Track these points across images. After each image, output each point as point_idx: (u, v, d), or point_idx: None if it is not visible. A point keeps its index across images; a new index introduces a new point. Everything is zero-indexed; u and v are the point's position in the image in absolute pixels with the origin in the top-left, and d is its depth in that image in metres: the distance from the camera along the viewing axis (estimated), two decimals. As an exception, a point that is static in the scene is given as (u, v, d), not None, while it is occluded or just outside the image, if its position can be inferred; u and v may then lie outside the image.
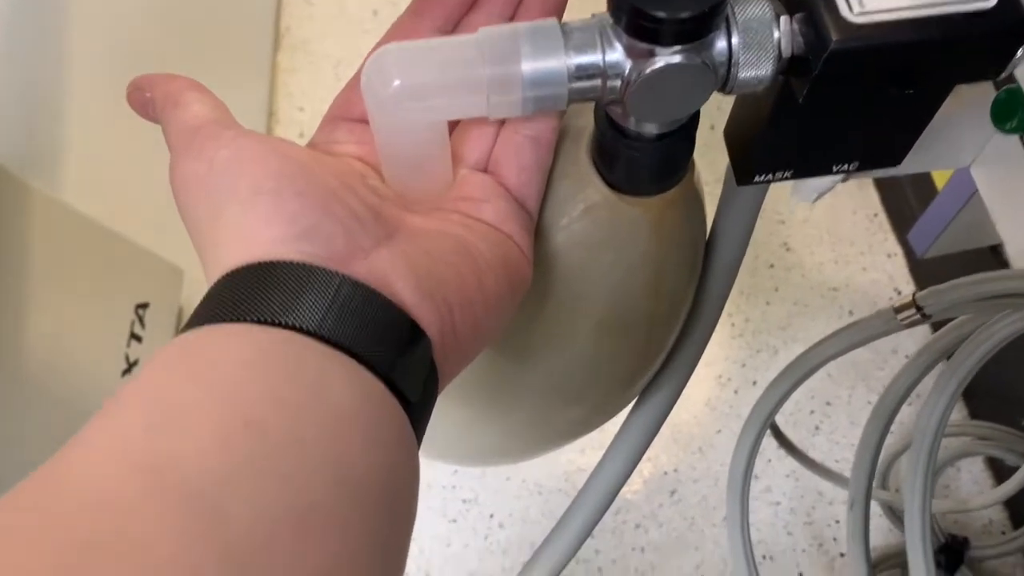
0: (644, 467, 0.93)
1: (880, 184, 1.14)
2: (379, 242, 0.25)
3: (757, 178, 0.37)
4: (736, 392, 0.98)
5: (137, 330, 0.82)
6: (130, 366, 0.80)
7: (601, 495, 0.50)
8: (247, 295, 0.22)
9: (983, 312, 0.54)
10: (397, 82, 0.29)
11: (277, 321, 0.21)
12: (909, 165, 0.55)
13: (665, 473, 0.93)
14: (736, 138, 0.37)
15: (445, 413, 0.46)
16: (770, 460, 0.94)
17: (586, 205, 0.37)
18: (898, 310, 0.52)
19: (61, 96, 1.03)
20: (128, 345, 0.81)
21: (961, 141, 0.53)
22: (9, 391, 0.70)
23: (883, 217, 1.11)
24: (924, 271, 1.07)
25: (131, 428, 0.18)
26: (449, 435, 0.50)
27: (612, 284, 0.39)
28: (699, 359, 0.46)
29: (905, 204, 1.07)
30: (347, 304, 0.22)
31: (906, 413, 0.67)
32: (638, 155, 0.34)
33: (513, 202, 0.31)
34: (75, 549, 0.15)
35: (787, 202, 1.11)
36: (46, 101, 1.02)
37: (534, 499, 0.90)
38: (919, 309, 0.51)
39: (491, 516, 0.90)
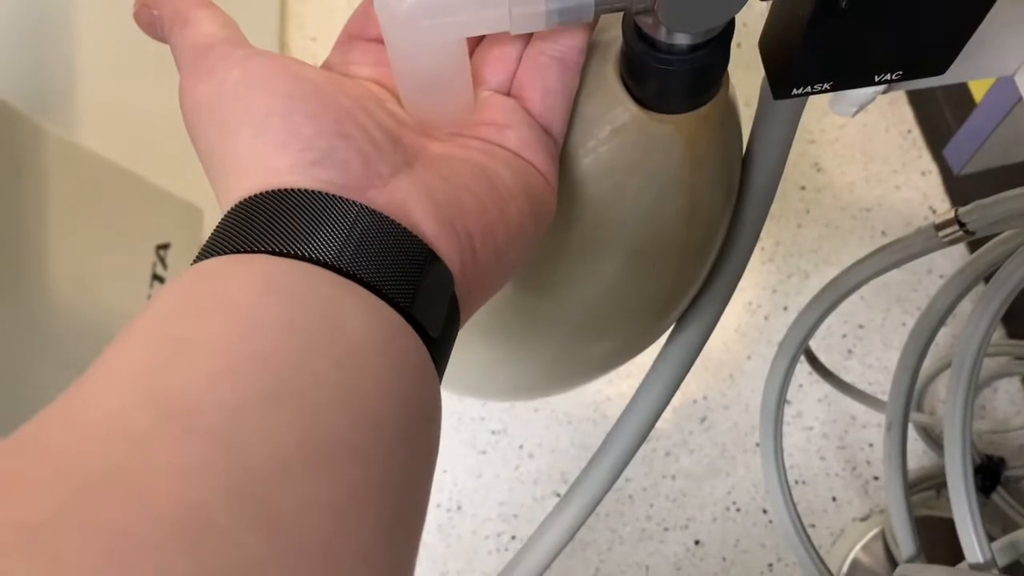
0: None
1: (914, 99, 1.10)
2: (397, 169, 0.24)
3: (795, 91, 0.35)
4: (767, 318, 0.97)
5: (159, 271, 0.82)
6: (154, 307, 0.80)
7: (637, 427, 0.49)
8: (260, 225, 0.21)
9: (1029, 227, 0.52)
10: None
11: (292, 252, 0.20)
12: (951, 74, 0.52)
13: (695, 401, 0.92)
14: (772, 48, 0.35)
15: (473, 349, 0.45)
16: (801, 385, 0.93)
17: (614, 125, 0.35)
18: (939, 227, 0.50)
19: (72, 35, 1.01)
20: (151, 286, 0.81)
21: (1006, 46, 0.50)
22: (33, 334, 0.70)
23: (917, 133, 1.07)
24: (960, 189, 1.03)
25: (140, 362, 0.17)
26: (478, 371, 0.49)
27: (643, 209, 0.38)
28: (735, 288, 0.44)
29: (941, 119, 1.04)
30: (365, 235, 0.21)
31: (941, 335, 0.66)
32: (670, 69, 0.32)
33: (537, 127, 0.30)
34: (80, 488, 0.14)
35: (818, 121, 1.08)
36: (56, 41, 1.00)
37: (563, 429, 0.89)
38: (962, 225, 0.49)
39: (520, 447, 0.90)
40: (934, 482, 0.88)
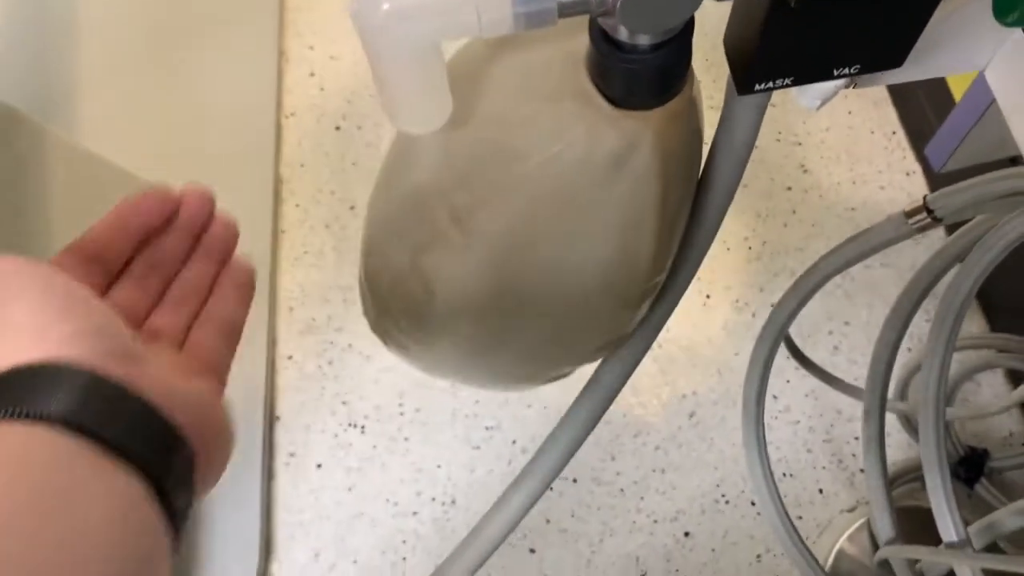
0: (663, 391, 0.95)
1: (898, 102, 1.12)
2: (133, 355, 0.27)
3: (757, 86, 0.37)
4: (754, 315, 0.99)
5: (160, 272, 0.84)
6: (155, 307, 0.82)
7: (604, 393, 0.52)
8: (25, 392, 0.23)
9: (996, 213, 0.54)
10: (387, 5, 0.30)
11: (38, 416, 0.22)
12: (922, 70, 0.55)
13: (684, 396, 0.94)
14: (734, 47, 0.37)
15: (466, 328, 0.47)
16: (788, 380, 0.95)
17: (588, 122, 0.38)
18: (909, 214, 0.52)
19: (73, 41, 1.03)
20: (152, 286, 0.83)
21: (974, 41, 0.52)
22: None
23: (901, 135, 1.10)
24: (942, 186, 1.05)
25: None
26: (475, 351, 0.50)
27: (619, 199, 0.40)
28: (695, 274, 0.47)
29: (924, 121, 1.06)
30: (103, 400, 0.24)
31: (925, 330, 0.67)
32: (635, 68, 0.34)
33: (209, 375, 0.33)
34: None
35: (804, 123, 1.10)
36: (58, 47, 1.03)
37: (554, 424, 0.91)
38: (930, 212, 0.51)
39: (513, 442, 0.92)
40: (918, 473, 0.89)
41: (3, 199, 0.73)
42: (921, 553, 0.62)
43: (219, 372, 0.33)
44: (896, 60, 0.39)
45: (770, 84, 0.37)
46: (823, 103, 0.55)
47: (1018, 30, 0.44)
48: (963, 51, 0.54)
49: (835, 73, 0.38)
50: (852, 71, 0.38)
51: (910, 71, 0.51)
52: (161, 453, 0.24)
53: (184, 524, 0.26)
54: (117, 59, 1.04)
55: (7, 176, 0.72)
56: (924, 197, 0.52)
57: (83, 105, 1.00)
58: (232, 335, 0.35)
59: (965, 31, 0.50)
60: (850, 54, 0.37)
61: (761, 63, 0.36)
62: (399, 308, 0.47)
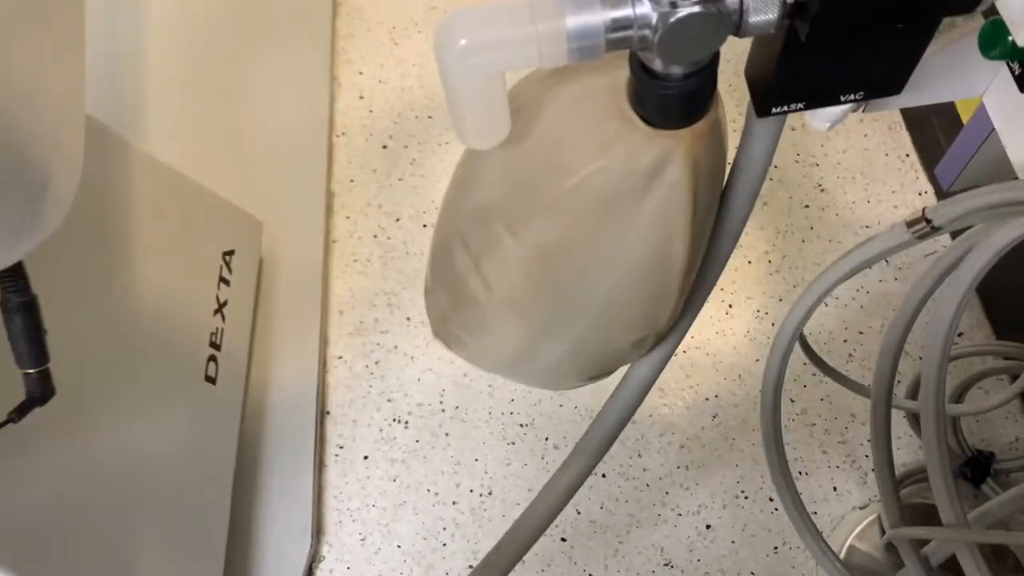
0: (687, 394, 1.01)
1: (911, 126, 1.18)
2: None
3: (774, 110, 0.44)
4: (774, 324, 1.05)
5: (225, 274, 0.92)
6: (220, 306, 0.90)
7: (642, 381, 0.58)
8: None
9: (993, 222, 0.60)
10: (464, 41, 0.37)
11: None
12: (924, 96, 0.62)
13: (707, 399, 1.01)
14: (754, 76, 0.44)
15: (511, 323, 0.53)
16: (805, 386, 1.01)
17: (627, 140, 0.44)
18: (910, 224, 0.58)
19: (144, 60, 1.12)
20: (218, 287, 0.90)
21: (970, 71, 0.58)
22: (119, 328, 0.79)
23: (914, 157, 1.16)
24: (954, 207, 1.11)
25: None
26: (516, 348, 0.57)
27: (654, 207, 0.46)
28: (719, 276, 0.53)
29: (935, 144, 1.12)
30: None
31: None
32: (668, 93, 0.41)
33: None
34: None
35: (821, 146, 1.16)
36: (132, 65, 1.12)
37: (585, 423, 0.97)
38: (928, 222, 0.57)
39: (546, 439, 0.99)
40: (926, 473, 0.95)
41: (89, 208, 0.81)
42: (923, 532, 0.68)
43: None
44: (895, 87, 0.46)
45: (785, 108, 0.44)
46: (833, 125, 0.61)
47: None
48: (961, 80, 0.61)
49: (841, 99, 0.44)
50: (857, 97, 0.45)
51: (913, 97, 0.58)
52: None
53: None
54: (185, 84, 1.13)
55: (96, 185, 0.80)
56: (923, 208, 0.59)
57: (153, 122, 1.08)
58: None
59: (960, 62, 0.57)
60: (854, 82, 0.43)
61: (777, 90, 0.42)
62: (462, 304, 0.53)
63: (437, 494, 0.96)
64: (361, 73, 1.21)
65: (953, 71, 0.60)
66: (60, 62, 0.43)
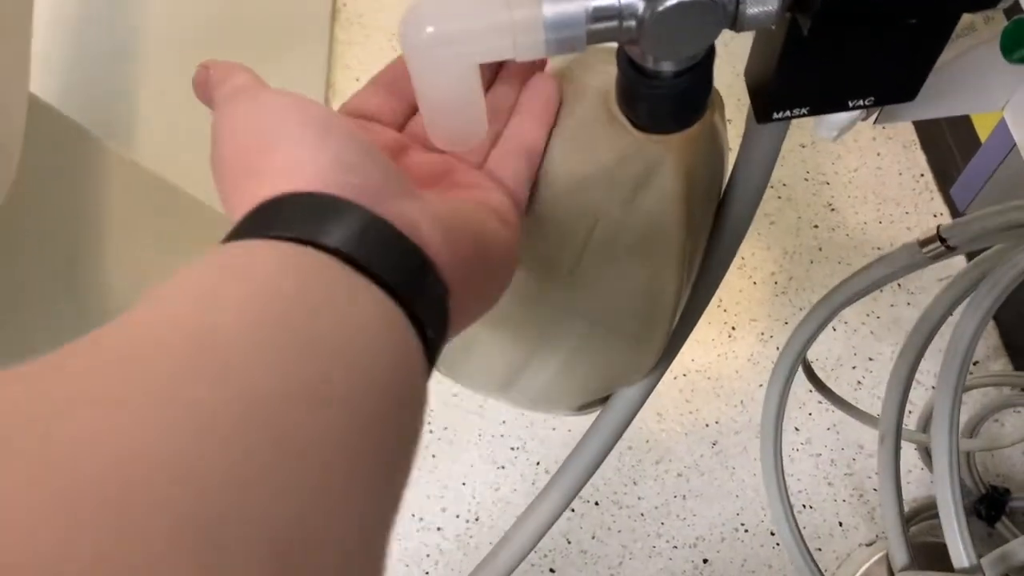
0: (685, 419, 0.96)
1: (926, 145, 1.14)
2: (408, 193, 0.28)
3: (775, 115, 0.40)
4: (778, 348, 1.00)
5: (206, 285, 0.88)
6: (200, 318, 0.86)
7: (626, 408, 0.54)
8: (284, 217, 0.24)
9: (1009, 242, 0.56)
10: (430, 29, 0.33)
11: (311, 241, 0.23)
12: (940, 108, 0.57)
13: (707, 425, 0.96)
14: (754, 78, 0.40)
15: (498, 343, 0.49)
16: (811, 414, 0.97)
17: (614, 144, 0.41)
18: (923, 243, 0.54)
19: (135, 67, 1.09)
20: (198, 298, 0.86)
21: (990, 81, 0.54)
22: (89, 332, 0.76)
23: (929, 177, 1.12)
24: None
25: (179, 306, 0.21)
26: (502, 369, 0.53)
27: (643, 217, 0.43)
28: (713, 295, 0.49)
29: (952, 164, 1.08)
30: (379, 238, 0.25)
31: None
32: (659, 93, 0.37)
33: (509, 193, 0.35)
34: (112, 400, 0.17)
35: (832, 164, 1.12)
36: (122, 71, 1.09)
37: (580, 448, 0.93)
38: (943, 241, 0.53)
39: (538, 463, 0.94)
40: (936, 511, 0.90)
41: (64, 211, 0.77)
42: (934, 578, 0.63)
43: (517, 194, 0.35)
44: (909, 93, 0.42)
45: (787, 113, 0.40)
46: (840, 134, 0.57)
47: (1031, 69, 0.46)
48: (980, 90, 0.56)
49: (850, 104, 0.40)
50: (866, 103, 0.41)
51: (929, 108, 0.54)
52: (426, 298, 0.25)
53: (436, 352, 0.26)
54: (175, 86, 1.10)
55: (69, 189, 0.77)
56: (938, 227, 0.55)
57: (141, 127, 1.05)
58: (532, 156, 0.36)
59: (980, 70, 0.52)
60: (863, 86, 0.39)
61: (778, 93, 0.38)
62: None
63: (422, 519, 0.91)
64: (358, 79, 1.18)
65: (972, 81, 0.56)
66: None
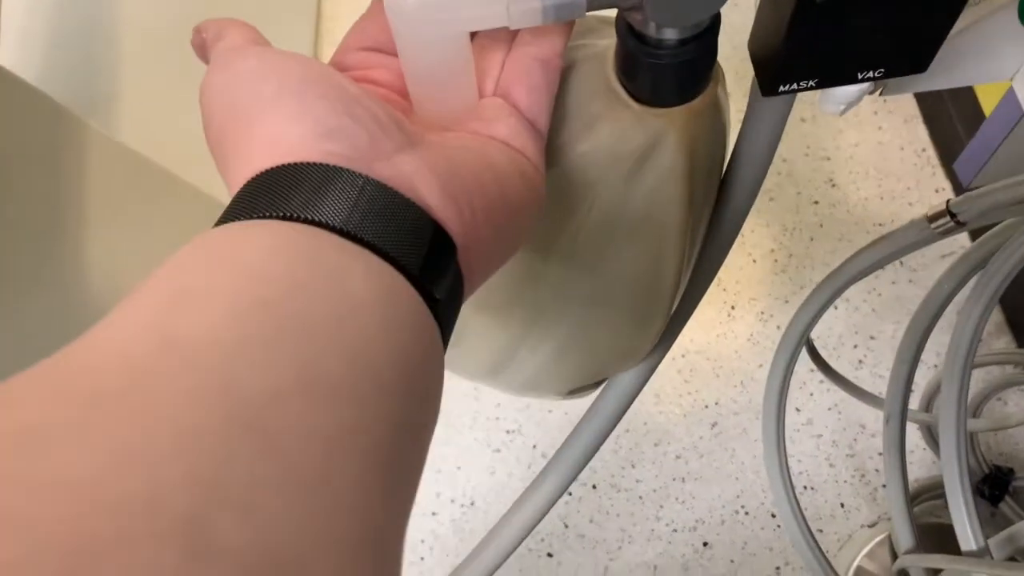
0: (685, 400, 0.95)
1: (929, 119, 1.12)
2: (402, 147, 0.25)
3: (781, 88, 0.38)
4: (779, 328, 0.99)
5: (193, 268, 0.86)
6: (187, 302, 0.84)
7: (625, 392, 0.52)
8: (270, 195, 0.23)
9: (1020, 216, 0.54)
10: None
11: (300, 217, 0.22)
12: (949, 79, 0.55)
13: (706, 406, 0.94)
14: (759, 49, 0.38)
15: (490, 328, 0.48)
16: (812, 394, 0.95)
17: (613, 118, 0.39)
18: (931, 218, 0.52)
19: (117, 46, 1.07)
20: (185, 282, 0.84)
21: (1002, 50, 0.52)
22: (66, 322, 0.74)
23: (931, 152, 1.10)
24: (973, 205, 1.05)
25: (148, 308, 0.19)
26: (494, 354, 0.51)
27: (643, 195, 0.41)
28: (715, 275, 0.47)
29: (955, 138, 1.06)
30: (371, 203, 0.23)
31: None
32: (660, 63, 0.35)
33: (524, 121, 0.32)
34: (83, 401, 0.16)
35: (833, 138, 1.10)
36: (103, 48, 1.06)
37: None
38: (953, 216, 0.51)
39: (534, 447, 0.93)
40: (941, 491, 0.89)
41: (42, 190, 0.75)
42: (939, 561, 0.62)
43: (536, 118, 0.31)
44: (921, 64, 0.40)
45: (794, 86, 0.38)
46: (847, 109, 0.55)
47: (1048, 39, 0.45)
48: (991, 60, 0.54)
49: (859, 76, 0.38)
50: (876, 75, 0.39)
51: (937, 79, 0.51)
52: (429, 258, 0.23)
53: (450, 314, 0.25)
54: (158, 64, 1.07)
55: (47, 168, 0.74)
56: (947, 201, 0.53)
57: (124, 106, 1.03)
58: (549, 68, 0.32)
59: (993, 40, 0.50)
60: (874, 57, 0.37)
61: (786, 64, 0.36)
62: None
63: (416, 504, 0.90)
64: (347, 56, 1.15)
65: (985, 49, 0.54)
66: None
